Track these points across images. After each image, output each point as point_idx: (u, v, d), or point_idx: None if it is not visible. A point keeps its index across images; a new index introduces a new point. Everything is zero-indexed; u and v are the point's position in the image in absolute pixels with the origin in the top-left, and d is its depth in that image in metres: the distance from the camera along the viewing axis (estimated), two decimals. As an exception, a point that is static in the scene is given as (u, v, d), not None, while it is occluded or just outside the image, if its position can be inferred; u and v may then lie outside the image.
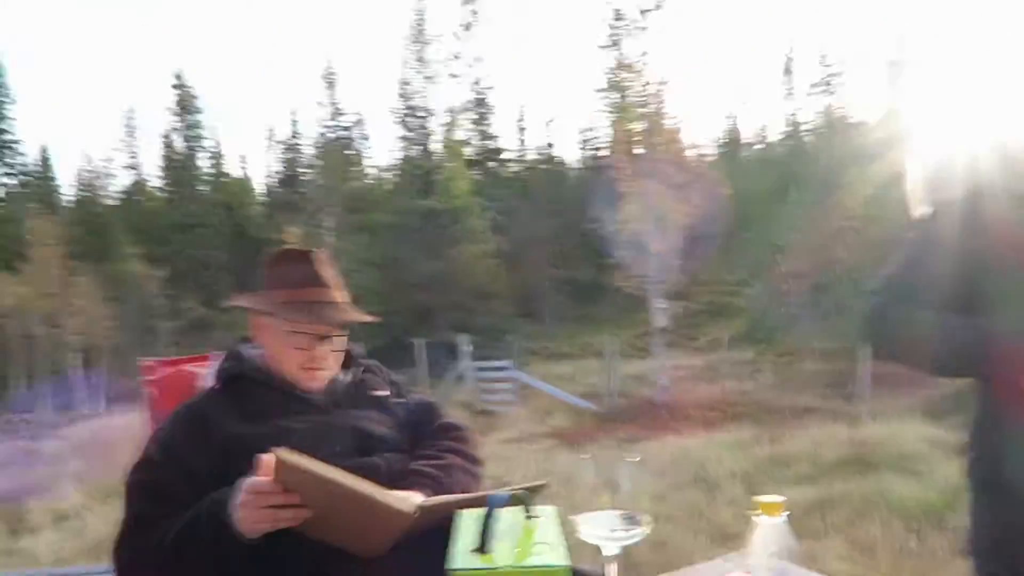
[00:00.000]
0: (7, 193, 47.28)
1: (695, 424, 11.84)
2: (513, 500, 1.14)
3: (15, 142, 48.11)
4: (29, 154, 50.35)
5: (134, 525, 1.45)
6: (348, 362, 1.77)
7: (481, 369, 17.27)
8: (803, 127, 47.40)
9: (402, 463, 1.60)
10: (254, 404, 1.59)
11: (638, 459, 1.28)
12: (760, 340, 26.61)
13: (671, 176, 14.35)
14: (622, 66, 15.36)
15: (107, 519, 6.45)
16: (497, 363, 17.22)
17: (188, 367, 1.94)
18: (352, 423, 1.63)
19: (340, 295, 1.71)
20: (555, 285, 38.41)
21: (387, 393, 1.77)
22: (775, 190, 37.21)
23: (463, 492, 1.53)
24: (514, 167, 49.25)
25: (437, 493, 1.50)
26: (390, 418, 1.71)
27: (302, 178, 44.42)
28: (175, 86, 47.78)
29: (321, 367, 1.65)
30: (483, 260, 31.50)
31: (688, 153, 16.87)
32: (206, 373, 1.79)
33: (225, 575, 1.38)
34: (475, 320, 30.05)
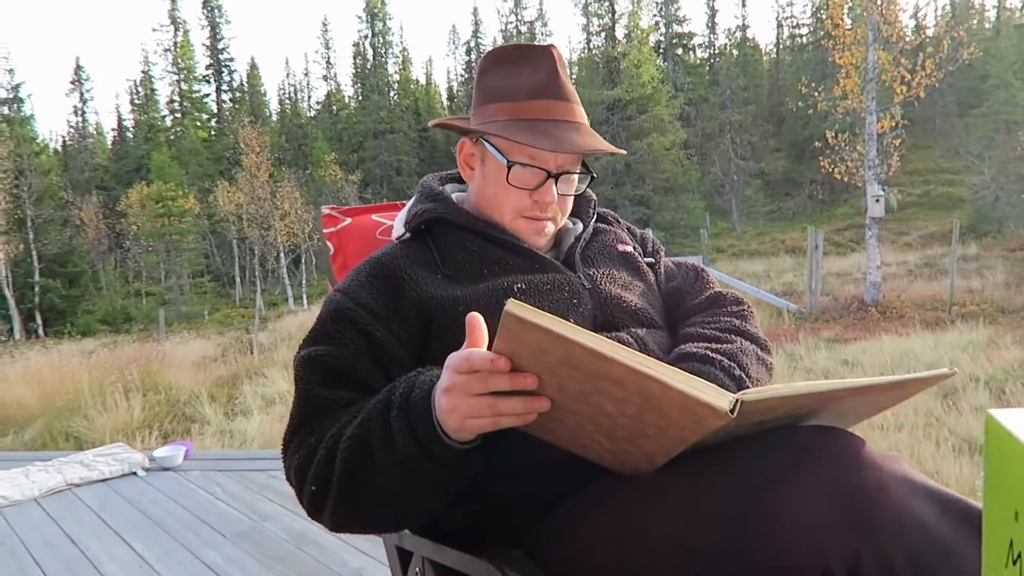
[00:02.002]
0: (225, 108, 51.89)
1: (914, 325, 10.68)
2: None
3: (230, 60, 52.36)
4: (240, 70, 54.48)
5: (304, 416, 1.04)
6: (576, 211, 1.31)
7: (668, 267, 16.65)
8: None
9: (658, 342, 1.16)
10: (459, 258, 1.16)
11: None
12: (986, 233, 23.66)
13: (897, 43, 12.45)
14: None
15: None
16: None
17: (376, 216, 1.50)
18: (591, 285, 1.18)
19: (582, 113, 1.20)
20: (745, 179, 36.24)
21: (632, 249, 1.31)
22: (1015, 60, 32.11)
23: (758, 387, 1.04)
24: (704, 53, 46.23)
25: (725, 388, 1.00)
26: (640, 282, 1.25)
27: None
28: (361, -7, 49.11)
29: (548, 215, 1.19)
30: (670, 152, 30.08)
31: (912, 20, 14.65)
32: (394, 223, 1.31)
33: (418, 496, 0.96)
34: (661, 215, 29.13)
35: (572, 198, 1.24)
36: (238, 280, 35.85)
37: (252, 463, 3.73)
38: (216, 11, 51.09)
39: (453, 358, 0.84)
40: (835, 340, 9.75)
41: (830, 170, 13.75)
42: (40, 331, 27.42)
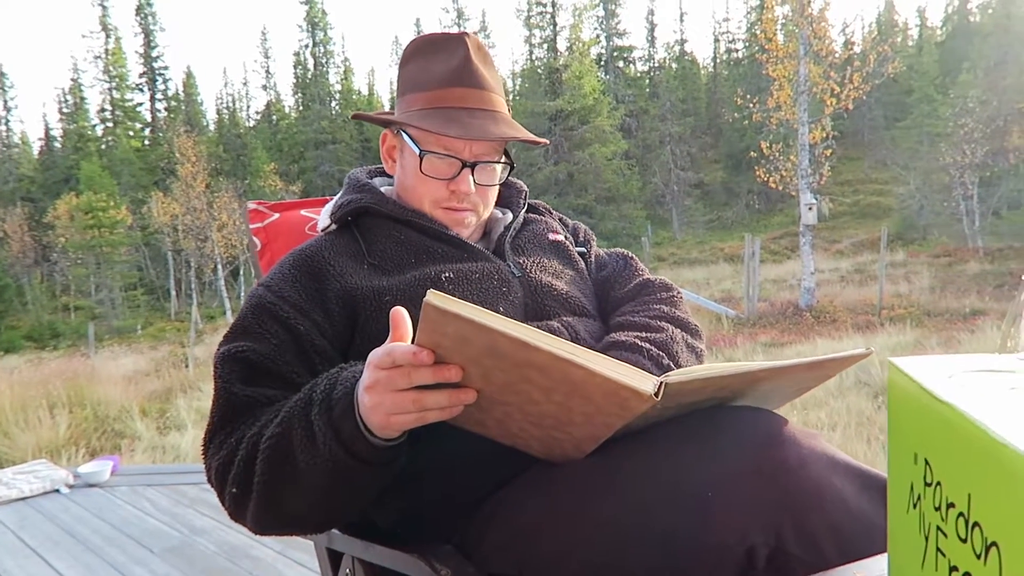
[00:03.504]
0: (159, 117, 50.51)
1: (846, 328, 11.03)
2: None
3: (165, 68, 51.02)
4: (176, 79, 53.19)
5: (224, 415, 0.99)
6: (507, 201, 1.29)
7: (611, 274, 16.83)
8: (973, 3, 42.33)
9: (589, 330, 1.14)
10: (386, 248, 1.13)
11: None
12: (912, 241, 24.67)
13: (827, 58, 12.93)
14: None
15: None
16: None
17: (304, 211, 1.47)
18: (521, 274, 1.15)
19: (500, 102, 1.17)
20: (684, 189, 36.99)
21: (564, 238, 1.29)
22: (936, 75, 33.66)
23: None
24: (644, 66, 47.13)
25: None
26: (571, 270, 1.23)
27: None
28: (303, 2, 48.51)
29: (466, 206, 1.16)
30: (612, 163, 30.52)
31: (841, 36, 15.24)
32: (320, 216, 1.29)
33: (343, 495, 0.93)
34: (604, 224, 29.48)
35: (495, 189, 1.21)
36: (173, 293, 34.83)
37: (183, 477, 3.60)
38: (150, 18, 49.77)
39: (374, 354, 0.81)
40: (772, 344, 10.00)
41: (765, 179, 14.15)
42: (-40, 349, 26.11)
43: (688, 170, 37.24)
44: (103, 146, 46.97)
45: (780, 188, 14.03)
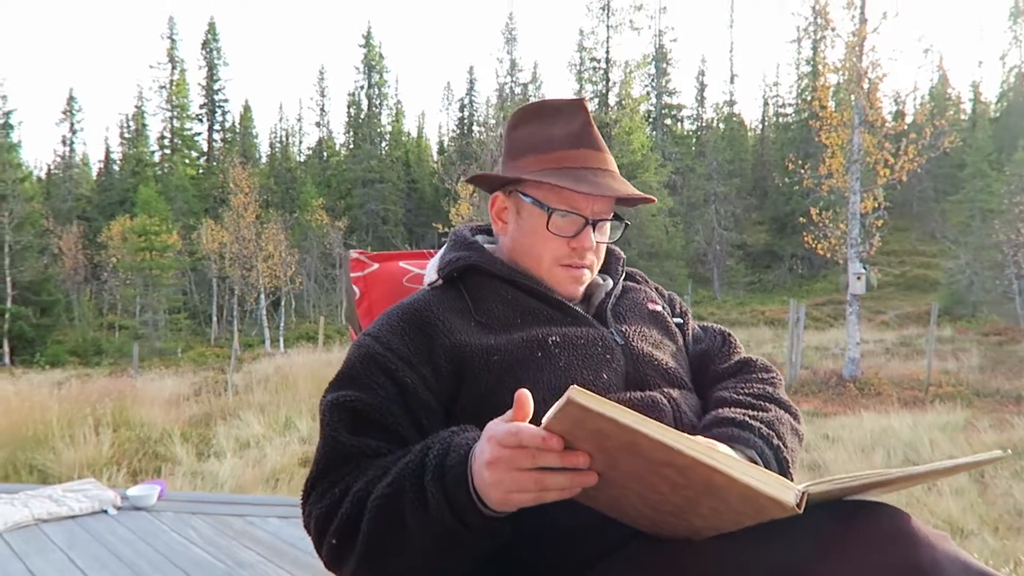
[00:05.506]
0: (215, 147, 52.15)
1: (892, 403, 10.74)
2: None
3: (225, 101, 52.86)
4: (234, 111, 55.00)
5: (329, 463, 1.01)
6: (605, 267, 1.30)
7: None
8: (1028, 80, 41.98)
9: (689, 404, 1.14)
10: (492, 306, 1.14)
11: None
12: (961, 317, 24.09)
13: (881, 128, 12.88)
14: (822, 12, 13.83)
15: (284, 450, 6.76)
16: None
17: (404, 263, 1.49)
18: (623, 342, 1.15)
19: (614, 162, 1.21)
20: (727, 249, 36.79)
21: (662, 308, 1.30)
22: (990, 151, 33.26)
23: (792, 461, 1.06)
24: (692, 125, 47.42)
25: (763, 458, 1.02)
26: (670, 342, 1.24)
27: (478, 135, 45.13)
28: (362, 45, 50.08)
29: (585, 262, 1.18)
30: (657, 218, 30.57)
31: (895, 106, 15.24)
32: (425, 270, 1.31)
33: (446, 561, 0.92)
34: (645, 280, 29.41)
35: (605, 247, 1.24)
36: (214, 319, 35.43)
37: (229, 507, 3.61)
38: (215, 52, 51.80)
39: (497, 430, 0.81)
40: (815, 414, 9.77)
41: (813, 245, 14.00)
42: (6, 359, 26.79)
43: (732, 230, 37.09)
44: (159, 171, 48.54)
45: (828, 255, 13.87)
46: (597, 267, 1.24)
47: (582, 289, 1.22)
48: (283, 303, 31.77)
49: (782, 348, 16.39)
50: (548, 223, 1.15)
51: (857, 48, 13.20)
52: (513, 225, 1.21)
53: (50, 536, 3.22)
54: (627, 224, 1.26)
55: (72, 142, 52.14)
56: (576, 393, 0.71)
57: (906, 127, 13.32)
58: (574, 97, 1.22)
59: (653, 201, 1.26)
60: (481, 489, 0.84)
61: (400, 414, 1.03)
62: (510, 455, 0.79)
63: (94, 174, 54.59)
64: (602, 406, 0.71)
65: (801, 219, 16.32)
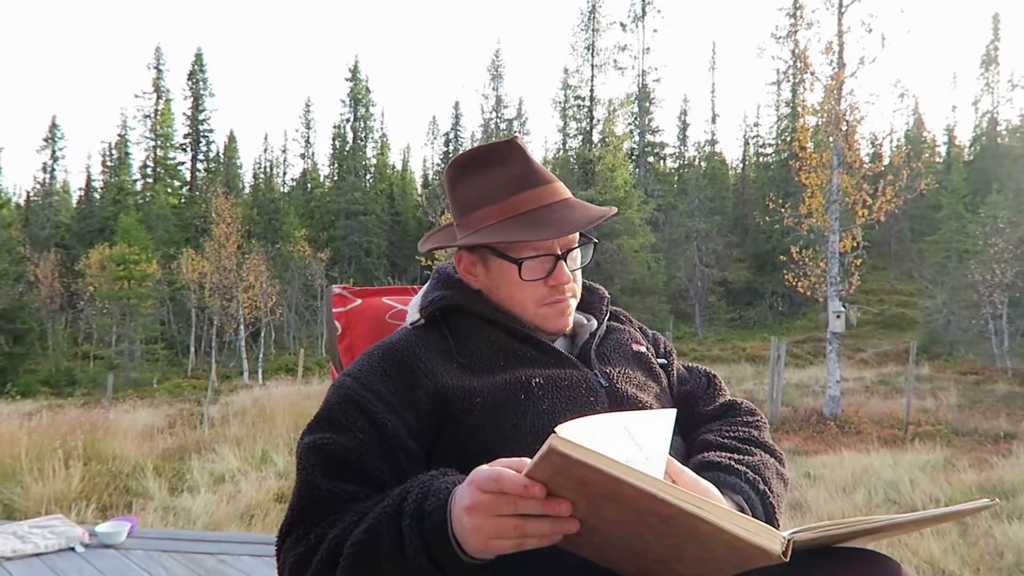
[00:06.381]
0: (199, 177, 52.00)
1: (872, 441, 10.76)
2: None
3: (210, 131, 52.86)
4: (218, 141, 55.03)
5: (305, 508, 0.98)
6: (588, 306, 1.28)
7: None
8: (1002, 126, 43.06)
9: (674, 446, 1.11)
10: (475, 348, 1.12)
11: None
12: (939, 356, 24.32)
13: (859, 169, 13.13)
14: (801, 56, 14.15)
15: (259, 485, 6.61)
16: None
17: (387, 299, 1.47)
18: (608, 384, 1.14)
19: (565, 189, 1.19)
20: (708, 285, 37.05)
21: (646, 349, 1.28)
22: (965, 193, 33.95)
23: (778, 506, 1.05)
24: (674, 163, 48.06)
25: (749, 504, 1.01)
26: (654, 383, 1.21)
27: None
28: (349, 79, 50.43)
29: (567, 295, 1.16)
30: (639, 255, 30.77)
31: (871, 148, 15.55)
32: (408, 307, 1.29)
33: None
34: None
35: (580, 272, 1.22)
36: (192, 350, 34.98)
37: (201, 545, 3.52)
38: (201, 83, 51.90)
39: (480, 475, 0.80)
40: (796, 452, 9.76)
41: (793, 283, 14.13)
42: (-24, 388, 26.21)
43: (713, 267, 37.39)
44: (141, 200, 48.23)
45: (808, 293, 14.00)
46: (579, 292, 1.22)
47: (571, 320, 1.20)
48: (263, 334, 31.45)
49: (763, 385, 16.44)
50: (520, 273, 1.14)
51: (835, 91, 13.49)
52: (485, 279, 1.19)
53: (13, 575, 3.11)
54: (596, 241, 1.23)
55: (53, 169, 51.80)
56: (558, 441, 0.70)
57: (883, 168, 13.60)
58: (504, 139, 1.20)
59: (614, 211, 1.23)
60: (460, 535, 0.82)
61: (379, 458, 1.01)
62: (491, 501, 0.78)
63: (74, 202, 54.17)
64: (584, 455, 0.70)
65: (781, 257, 16.49)
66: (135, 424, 10.45)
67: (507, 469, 0.78)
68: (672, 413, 0.93)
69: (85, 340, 35.56)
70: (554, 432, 0.71)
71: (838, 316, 13.14)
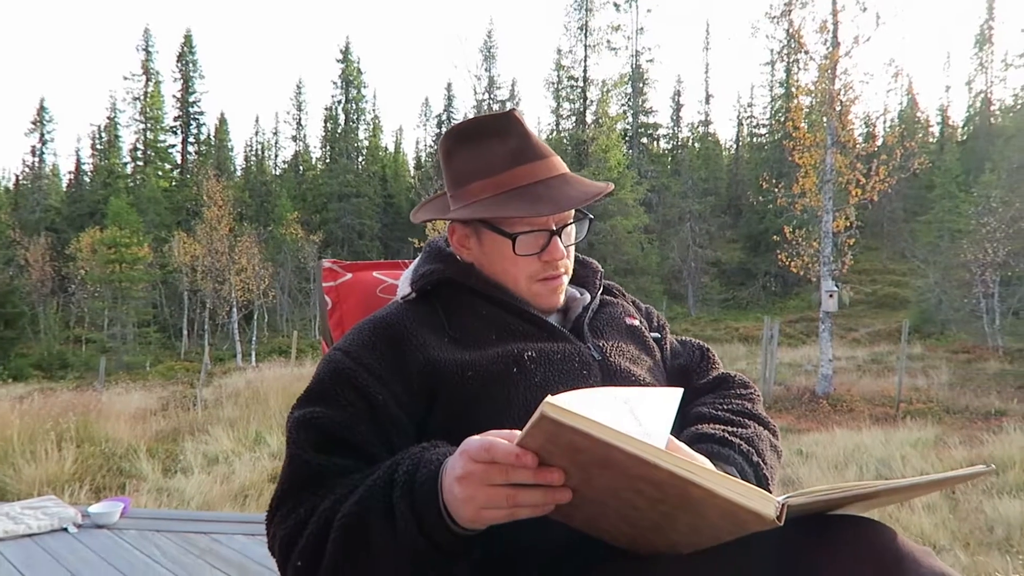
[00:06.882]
0: (189, 160, 51.64)
1: (864, 419, 10.84)
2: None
3: (200, 113, 52.41)
4: (209, 124, 54.57)
5: (294, 483, 0.96)
6: (582, 280, 1.27)
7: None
8: (995, 106, 43.07)
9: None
10: (467, 321, 1.11)
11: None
12: (930, 335, 24.44)
13: (853, 149, 13.11)
14: (795, 36, 14.08)
15: (253, 466, 6.62)
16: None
17: (377, 273, 1.45)
18: (601, 357, 1.12)
19: (563, 163, 1.18)
20: (701, 266, 37.11)
21: (639, 323, 1.27)
22: (958, 173, 33.99)
23: (772, 478, 1.04)
24: (667, 144, 47.94)
25: (743, 475, 1.00)
26: (647, 357, 1.20)
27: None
28: (340, 60, 50.00)
29: (561, 271, 1.15)
30: (632, 235, 30.76)
31: (865, 127, 15.52)
32: (399, 281, 1.27)
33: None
34: (620, 296, 29.60)
35: (574, 247, 1.21)
36: (185, 333, 34.90)
37: (194, 524, 3.51)
38: (191, 64, 51.38)
39: (470, 445, 0.78)
40: (789, 430, 9.82)
41: (787, 263, 14.15)
42: (-32, 373, 26.11)
43: (706, 248, 37.43)
44: (132, 183, 47.88)
45: (801, 273, 14.03)
46: (571, 268, 1.20)
47: (563, 297, 1.19)
48: (256, 317, 31.40)
49: (756, 365, 16.50)
50: (514, 247, 1.12)
51: (829, 71, 13.44)
52: (478, 252, 1.17)
53: (6, 556, 3.10)
54: (591, 218, 1.21)
55: (42, 152, 51.27)
56: (550, 408, 0.68)
57: (877, 148, 13.57)
58: (503, 111, 1.17)
59: (612, 187, 1.20)
60: (451, 505, 0.80)
61: (369, 432, 0.99)
62: (482, 470, 0.76)
63: (64, 185, 53.73)
64: (576, 421, 0.68)
65: (775, 237, 16.50)
66: (128, 407, 10.43)
67: (498, 439, 0.77)
68: (679, 392, 0.91)
69: (77, 324, 35.44)
70: (546, 400, 0.69)
71: (831, 296, 13.18)
